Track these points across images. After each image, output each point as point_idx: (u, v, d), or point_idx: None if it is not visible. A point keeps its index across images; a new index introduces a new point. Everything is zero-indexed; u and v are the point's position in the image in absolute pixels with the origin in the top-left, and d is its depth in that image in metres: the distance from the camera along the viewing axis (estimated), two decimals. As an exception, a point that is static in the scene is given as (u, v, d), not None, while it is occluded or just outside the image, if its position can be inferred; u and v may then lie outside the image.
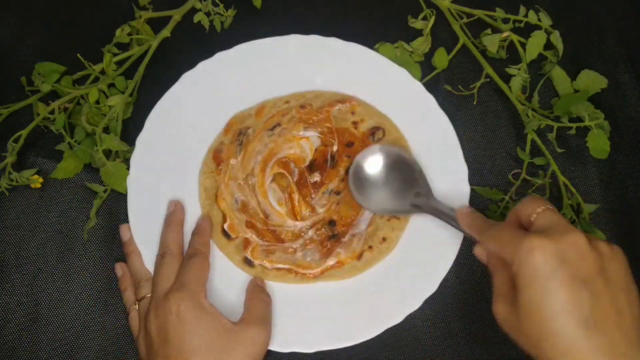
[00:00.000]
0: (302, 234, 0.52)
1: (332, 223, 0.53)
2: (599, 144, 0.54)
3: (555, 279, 0.37)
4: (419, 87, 0.56)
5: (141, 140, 0.54)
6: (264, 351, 0.47)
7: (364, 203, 0.52)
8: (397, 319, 0.50)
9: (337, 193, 0.54)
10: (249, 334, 0.46)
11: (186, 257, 0.50)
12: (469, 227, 0.46)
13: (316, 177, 0.54)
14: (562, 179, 0.54)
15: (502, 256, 0.40)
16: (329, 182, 0.54)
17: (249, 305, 0.49)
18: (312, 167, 0.54)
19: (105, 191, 0.54)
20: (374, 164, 0.52)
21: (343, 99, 0.56)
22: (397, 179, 0.52)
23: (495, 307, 0.41)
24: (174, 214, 0.52)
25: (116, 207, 0.55)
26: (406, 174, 0.52)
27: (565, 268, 0.37)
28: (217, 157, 0.54)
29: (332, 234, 0.52)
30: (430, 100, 0.55)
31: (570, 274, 0.37)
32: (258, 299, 0.50)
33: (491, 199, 0.55)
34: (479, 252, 0.45)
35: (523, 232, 0.40)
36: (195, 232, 0.52)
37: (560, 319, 0.36)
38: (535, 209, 0.41)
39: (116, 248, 0.54)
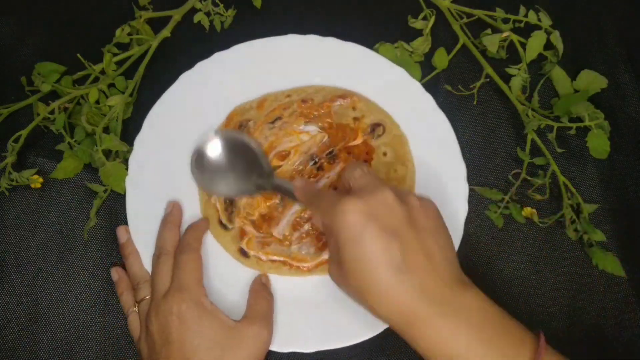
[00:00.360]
0: (299, 227, 0.53)
1: None
2: (599, 144, 0.54)
3: (367, 233, 0.40)
4: (417, 86, 0.56)
5: (139, 140, 0.54)
6: (266, 349, 0.48)
7: (209, 188, 0.53)
8: None
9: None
10: (251, 332, 0.47)
11: (178, 252, 0.49)
12: (302, 198, 0.48)
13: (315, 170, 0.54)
14: (562, 179, 0.54)
15: (326, 222, 0.43)
16: (329, 172, 0.54)
17: (252, 303, 0.49)
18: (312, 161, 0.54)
19: (105, 191, 0.54)
20: (214, 148, 0.52)
21: (344, 94, 0.56)
22: (239, 162, 0.52)
23: (329, 269, 0.45)
24: (172, 214, 0.52)
25: (116, 207, 0.55)
26: (247, 156, 0.52)
27: (374, 223, 0.40)
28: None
29: None
30: (428, 100, 0.55)
31: (380, 227, 0.40)
32: (261, 297, 0.50)
33: (491, 199, 0.55)
34: (315, 221, 0.49)
35: (338, 197, 0.42)
36: (189, 228, 0.52)
37: (374, 267, 0.40)
38: (353, 174, 0.44)
39: (116, 248, 0.53)
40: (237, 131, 0.54)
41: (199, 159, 0.52)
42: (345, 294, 0.44)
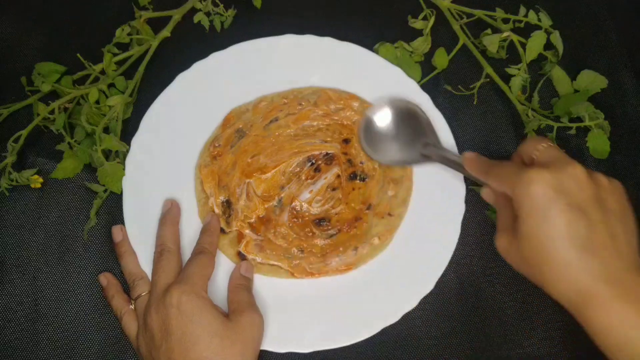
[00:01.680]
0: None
1: (326, 220, 0.53)
2: (599, 144, 0.54)
3: (554, 207, 0.39)
4: (414, 86, 0.56)
5: (136, 141, 0.54)
6: (262, 334, 0.48)
7: (374, 156, 0.54)
8: (393, 318, 0.50)
9: (334, 189, 0.54)
10: (244, 321, 0.47)
11: (193, 254, 0.50)
12: (474, 170, 0.47)
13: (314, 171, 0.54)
14: (562, 179, 0.54)
15: (505, 191, 0.43)
16: (326, 173, 0.54)
17: (232, 297, 0.50)
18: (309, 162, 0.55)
19: (105, 191, 0.54)
20: (383, 117, 0.54)
21: (341, 96, 0.56)
22: (406, 131, 0.53)
23: (499, 240, 0.44)
24: (170, 212, 0.52)
25: (116, 208, 0.54)
26: (414, 125, 0.53)
27: (563, 197, 0.39)
28: (213, 151, 0.54)
29: (327, 233, 0.53)
30: (425, 99, 0.55)
31: (568, 203, 0.39)
32: (238, 289, 0.50)
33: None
34: (485, 193, 0.48)
35: (524, 168, 0.41)
36: (203, 231, 0.52)
37: (557, 243, 0.39)
38: (537, 147, 0.44)
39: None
40: (406, 99, 0.54)
41: (367, 127, 0.54)
42: (513, 266, 0.43)
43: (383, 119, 0.54)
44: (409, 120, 0.53)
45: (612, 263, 0.39)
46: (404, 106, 0.54)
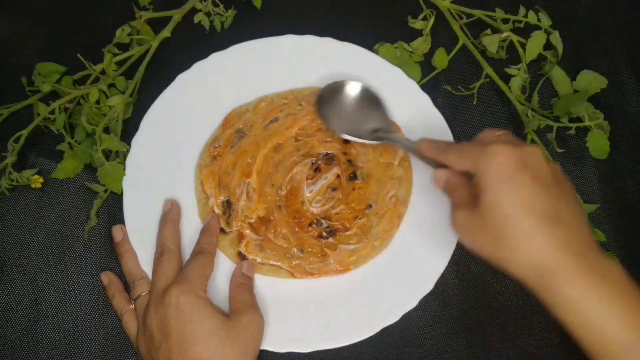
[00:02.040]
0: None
1: (326, 220, 0.53)
2: (598, 144, 0.54)
3: (518, 177, 0.39)
4: (414, 86, 0.56)
5: (137, 141, 0.54)
6: (262, 334, 0.48)
7: (330, 124, 0.54)
8: (393, 318, 0.50)
9: (334, 189, 0.54)
10: (245, 321, 0.47)
11: (192, 254, 0.50)
12: (431, 150, 0.47)
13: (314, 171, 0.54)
14: (562, 179, 0.54)
15: (464, 167, 0.43)
16: (326, 173, 0.54)
17: (234, 296, 0.50)
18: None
19: (105, 191, 0.54)
20: (353, 88, 0.55)
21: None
22: (363, 108, 0.54)
23: (456, 216, 0.43)
24: (170, 212, 0.52)
25: (116, 207, 0.54)
26: (376, 108, 0.54)
27: (527, 169, 0.40)
28: (213, 152, 0.54)
29: (327, 233, 0.53)
30: (425, 99, 0.55)
31: (531, 175, 0.40)
32: (242, 289, 0.50)
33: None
34: (437, 176, 0.47)
35: (487, 144, 0.42)
36: (203, 231, 0.52)
37: (522, 212, 0.39)
38: (495, 132, 0.44)
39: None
40: (365, 82, 0.55)
41: (329, 94, 0.55)
42: (470, 244, 0.43)
43: (341, 92, 0.55)
44: (367, 99, 0.54)
45: (576, 236, 0.39)
46: (363, 87, 0.55)
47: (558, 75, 0.58)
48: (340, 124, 0.54)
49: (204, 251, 0.50)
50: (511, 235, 0.39)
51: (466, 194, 0.43)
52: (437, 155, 0.47)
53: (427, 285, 0.51)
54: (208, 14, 0.60)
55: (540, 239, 0.38)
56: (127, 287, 0.52)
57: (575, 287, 0.38)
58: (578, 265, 0.38)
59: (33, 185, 0.55)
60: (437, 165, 0.48)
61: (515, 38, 0.57)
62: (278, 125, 0.55)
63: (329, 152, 0.55)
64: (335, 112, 0.55)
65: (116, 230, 0.53)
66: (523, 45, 0.57)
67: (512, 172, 0.40)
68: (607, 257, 0.40)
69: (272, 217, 0.53)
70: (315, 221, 0.53)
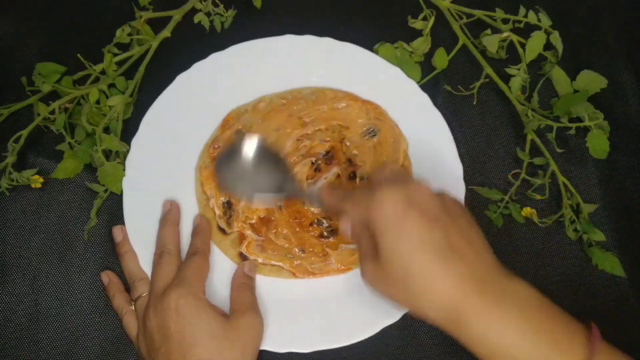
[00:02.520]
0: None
1: (327, 219, 0.53)
2: (598, 144, 0.54)
3: (407, 219, 0.39)
4: (413, 86, 0.56)
5: (136, 141, 0.54)
6: (261, 336, 0.48)
7: (230, 187, 0.51)
8: (393, 318, 0.50)
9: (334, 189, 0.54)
10: (245, 322, 0.47)
11: (187, 255, 0.50)
12: (331, 199, 0.46)
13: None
14: (561, 179, 0.54)
15: (360, 218, 0.42)
16: (326, 173, 0.54)
17: (236, 297, 0.50)
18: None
19: (105, 191, 0.54)
20: (249, 148, 0.50)
21: (340, 96, 0.56)
22: (263, 167, 0.51)
23: (362, 268, 0.42)
24: (170, 213, 0.52)
25: (117, 207, 0.54)
26: (274, 162, 0.51)
27: (414, 208, 0.39)
28: (213, 152, 0.54)
29: (328, 232, 0.53)
30: (424, 99, 0.55)
31: (420, 212, 0.39)
32: (243, 289, 0.50)
33: (491, 199, 0.55)
34: (341, 228, 0.45)
35: (374, 189, 0.41)
36: (195, 233, 0.52)
37: (417, 254, 0.38)
38: (382, 172, 0.44)
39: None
40: (261, 137, 0.52)
41: (227, 158, 0.51)
42: (379, 295, 0.42)
43: (249, 150, 0.50)
44: (265, 156, 0.50)
45: (476, 267, 0.39)
46: (264, 142, 0.51)
47: (558, 75, 0.58)
48: (244, 187, 0.51)
49: (198, 252, 0.50)
50: (414, 282, 0.38)
51: (369, 244, 0.41)
52: (337, 205, 0.45)
53: None
54: (208, 14, 0.60)
55: (441, 280, 0.38)
56: (127, 287, 0.52)
57: (483, 321, 0.37)
58: (482, 297, 0.37)
59: (33, 185, 0.55)
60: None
61: (515, 38, 0.57)
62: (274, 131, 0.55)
63: (329, 151, 0.54)
64: (235, 176, 0.50)
65: (116, 231, 0.53)
66: (523, 45, 0.57)
67: (400, 215, 0.39)
68: (512, 278, 0.39)
69: (272, 218, 0.53)
70: (316, 221, 0.53)
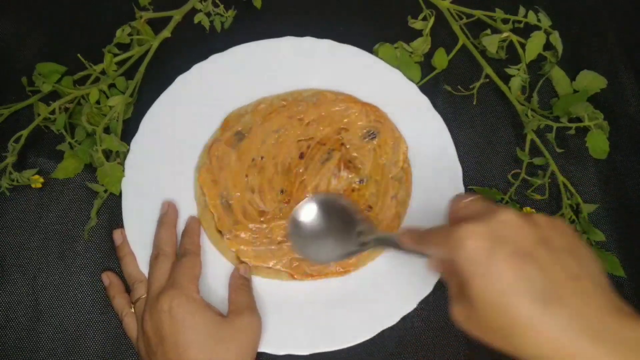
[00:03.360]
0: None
1: None
2: (598, 144, 0.54)
3: (494, 260, 0.34)
4: (413, 88, 0.56)
5: (136, 142, 0.54)
6: (259, 336, 0.48)
7: (311, 257, 0.51)
8: (392, 320, 0.50)
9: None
10: (241, 323, 0.47)
11: (177, 258, 0.50)
12: (409, 244, 0.42)
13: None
14: (561, 179, 0.54)
15: (444, 257, 0.38)
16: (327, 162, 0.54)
17: (233, 297, 0.50)
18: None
19: (105, 191, 0.54)
20: (309, 214, 0.51)
21: (341, 98, 0.56)
22: (337, 224, 0.50)
23: (453, 311, 0.38)
24: (167, 214, 0.52)
25: (117, 207, 0.54)
26: (344, 216, 0.50)
27: (502, 246, 0.34)
28: (212, 154, 0.54)
29: None
30: (424, 101, 0.55)
31: (509, 251, 0.34)
32: (241, 290, 0.50)
33: (490, 198, 0.55)
34: (430, 265, 0.41)
35: (454, 226, 0.36)
36: (184, 233, 0.52)
37: (512, 299, 0.33)
38: (460, 204, 0.39)
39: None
40: (329, 193, 0.52)
41: (294, 226, 0.50)
42: (480, 338, 0.36)
43: (309, 216, 0.50)
44: (336, 212, 0.50)
45: (583, 308, 0.33)
46: (328, 199, 0.50)
47: (558, 75, 0.58)
48: (321, 252, 0.50)
49: (188, 252, 0.50)
50: (511, 327, 0.33)
51: (457, 282, 0.37)
52: (417, 248, 0.41)
53: (426, 287, 0.51)
54: (208, 14, 0.60)
55: (543, 327, 0.33)
56: (128, 288, 0.52)
57: None
58: (598, 347, 0.32)
59: (33, 185, 0.55)
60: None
61: (515, 38, 0.57)
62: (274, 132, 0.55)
63: (329, 150, 0.54)
64: (310, 242, 0.50)
65: (117, 235, 0.53)
66: (523, 46, 0.57)
67: (485, 256, 0.34)
68: (632, 320, 0.33)
69: (272, 219, 0.53)
70: None
